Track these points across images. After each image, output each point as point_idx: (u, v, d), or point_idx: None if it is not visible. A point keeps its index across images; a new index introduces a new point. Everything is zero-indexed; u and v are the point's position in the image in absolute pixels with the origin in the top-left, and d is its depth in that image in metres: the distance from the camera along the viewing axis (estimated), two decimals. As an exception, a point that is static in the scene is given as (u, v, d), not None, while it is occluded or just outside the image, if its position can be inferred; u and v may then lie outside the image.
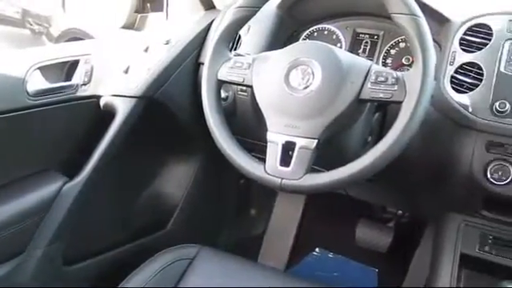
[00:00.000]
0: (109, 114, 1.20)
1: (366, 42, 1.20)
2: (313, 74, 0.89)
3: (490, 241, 1.04)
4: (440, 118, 1.00)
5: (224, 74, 0.98)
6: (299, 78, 0.90)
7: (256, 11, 0.99)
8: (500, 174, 0.93)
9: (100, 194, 1.24)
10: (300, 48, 0.94)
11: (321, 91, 0.88)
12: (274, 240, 1.77)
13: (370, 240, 1.60)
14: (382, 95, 0.85)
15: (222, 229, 1.69)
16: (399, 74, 0.86)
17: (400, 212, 1.66)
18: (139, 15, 1.50)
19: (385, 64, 1.17)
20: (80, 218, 1.19)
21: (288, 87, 0.90)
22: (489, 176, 0.94)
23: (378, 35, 1.19)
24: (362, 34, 1.21)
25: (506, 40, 0.94)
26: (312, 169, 0.89)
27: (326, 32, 1.24)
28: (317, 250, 1.80)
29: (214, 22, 1.30)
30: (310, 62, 0.90)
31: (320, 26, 1.25)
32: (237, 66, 0.97)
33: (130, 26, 1.49)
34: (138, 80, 1.21)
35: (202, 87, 0.99)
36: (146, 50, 1.28)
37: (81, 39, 1.36)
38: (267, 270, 1.13)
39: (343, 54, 0.91)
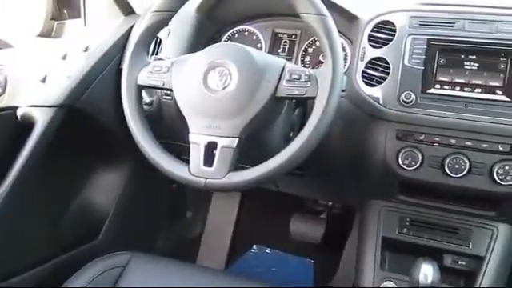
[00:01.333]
0: (27, 125, 1.16)
1: (285, 42, 1.24)
2: (230, 74, 0.91)
3: (407, 223, 1.11)
4: (355, 111, 1.06)
5: (143, 78, 0.98)
6: (217, 80, 0.92)
7: (172, 15, 1.00)
8: (410, 159, 0.99)
9: (24, 207, 1.19)
10: (216, 50, 0.96)
11: (238, 91, 0.90)
12: (212, 240, 1.79)
13: (303, 233, 1.65)
14: (296, 92, 0.89)
15: (158, 234, 1.68)
16: (311, 71, 0.91)
17: (330, 203, 1.73)
18: (56, 22, 1.45)
19: (303, 62, 1.22)
20: (4, 233, 1.15)
21: (206, 89, 0.92)
22: (400, 162, 1.00)
23: (295, 34, 1.23)
24: (281, 33, 1.25)
25: (408, 35, 1.01)
26: (240, 167, 0.91)
27: (246, 33, 1.27)
28: (254, 247, 1.83)
29: (134, 27, 1.29)
30: (226, 63, 0.92)
31: (240, 27, 1.28)
32: (156, 71, 0.98)
33: (46, 33, 1.44)
34: (56, 89, 1.18)
35: (122, 93, 0.99)
36: (64, 58, 1.25)
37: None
38: (204, 270, 1.14)
39: (258, 55, 0.94)
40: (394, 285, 1.07)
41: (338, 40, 0.89)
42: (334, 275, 1.63)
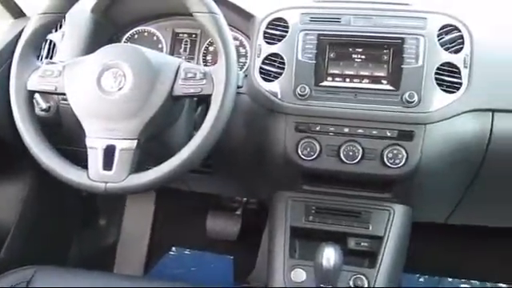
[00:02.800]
0: None
1: (186, 42, 1.25)
2: (124, 76, 0.90)
3: (313, 211, 1.15)
4: (255, 107, 1.09)
5: (34, 83, 0.95)
6: (111, 81, 0.91)
7: (61, 17, 0.97)
8: (308, 150, 1.04)
9: None
10: (109, 51, 0.95)
11: (134, 92, 0.90)
12: (128, 246, 1.75)
13: (219, 230, 1.67)
14: (192, 90, 0.91)
15: (70, 245, 1.61)
16: (207, 69, 0.92)
17: (245, 199, 1.76)
18: None
19: (205, 61, 1.23)
20: None
21: (101, 91, 0.90)
22: (300, 153, 1.04)
23: (196, 34, 1.24)
24: (181, 33, 1.25)
25: (300, 31, 1.05)
26: (146, 168, 0.91)
27: (146, 34, 1.26)
28: (173, 249, 1.82)
29: (23, 31, 1.23)
30: (120, 64, 0.91)
31: (140, 28, 1.26)
32: (47, 75, 0.95)
33: None
34: None
35: (11, 99, 0.95)
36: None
37: None
38: (119, 277, 1.11)
39: (153, 55, 0.94)
40: (303, 272, 1.11)
41: (230, 37, 0.91)
42: (253, 269, 1.66)
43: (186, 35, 1.25)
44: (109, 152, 0.89)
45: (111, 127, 0.89)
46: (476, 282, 1.68)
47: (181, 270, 1.75)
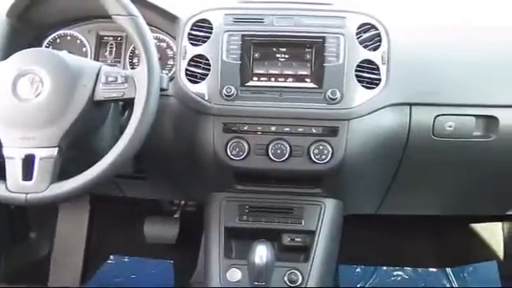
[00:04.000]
0: None
1: (112, 45, 1.21)
2: (42, 81, 0.87)
3: (247, 210, 1.16)
4: (183, 109, 1.08)
5: None
6: (28, 88, 0.87)
7: None
8: (237, 150, 1.04)
9: None
10: (25, 56, 0.91)
11: (52, 98, 0.87)
12: (63, 258, 1.69)
13: (158, 235, 1.64)
14: (114, 94, 0.89)
15: (-2, 260, 1.53)
16: (128, 72, 0.91)
17: (183, 202, 1.74)
18: None
19: (132, 64, 1.20)
20: None
21: (17, 98, 0.87)
22: (229, 153, 1.05)
23: (121, 37, 1.21)
24: (106, 36, 1.22)
25: (224, 32, 1.06)
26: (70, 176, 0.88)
27: (68, 37, 1.22)
28: (111, 257, 1.78)
29: None
30: (36, 69, 0.88)
31: (62, 31, 1.22)
32: None
33: None
34: None
35: None
36: None
37: None
38: None
39: (71, 59, 0.92)
40: (239, 271, 1.12)
41: (151, 40, 0.91)
42: (194, 272, 1.65)
43: (110, 38, 1.22)
44: (28, 161, 0.86)
45: (30, 136, 0.86)
46: (409, 269, 1.76)
47: (120, 279, 1.71)
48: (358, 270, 1.76)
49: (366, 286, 1.74)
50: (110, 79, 0.89)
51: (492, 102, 1.08)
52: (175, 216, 1.71)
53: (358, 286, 1.74)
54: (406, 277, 1.75)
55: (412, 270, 1.76)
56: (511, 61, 1.10)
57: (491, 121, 1.08)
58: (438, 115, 1.07)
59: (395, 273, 1.76)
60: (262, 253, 0.99)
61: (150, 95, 0.87)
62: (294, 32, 1.05)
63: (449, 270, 1.75)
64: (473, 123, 1.08)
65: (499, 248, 1.76)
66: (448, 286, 1.73)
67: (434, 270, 1.76)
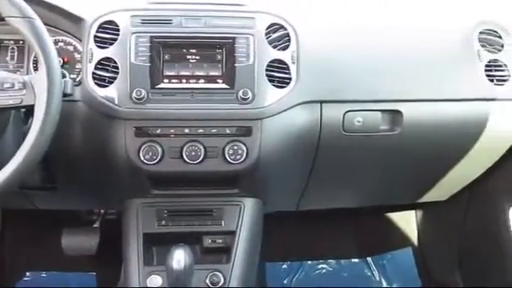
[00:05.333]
0: None
1: (13, 49, 1.15)
2: None
3: (165, 215, 1.14)
4: (93, 114, 1.04)
5: None
6: None
7: None
8: (151, 154, 1.02)
9: None
10: None
11: None
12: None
13: (77, 246, 1.56)
14: (11, 102, 0.84)
15: None
16: (26, 77, 0.86)
17: (103, 211, 1.68)
18: None
19: (36, 69, 1.14)
20: None
21: None
22: (142, 158, 1.02)
23: (23, 40, 1.14)
24: (6, 40, 1.15)
25: (132, 34, 1.03)
26: None
27: None
28: (27, 273, 1.68)
29: None
30: None
31: None
32: None
33: None
34: None
35: None
36: None
37: None
38: None
39: None
40: (159, 277, 1.10)
41: (50, 43, 0.86)
42: (118, 281, 1.59)
43: (11, 42, 1.15)
44: None
45: None
46: (332, 261, 1.82)
47: (38, 297, 1.62)
48: (284, 266, 1.79)
49: (293, 281, 1.77)
50: (6, 86, 0.83)
51: (396, 97, 1.14)
52: (95, 225, 1.64)
53: (285, 281, 1.77)
54: (330, 269, 1.80)
55: (336, 262, 1.81)
56: (413, 59, 1.17)
57: (396, 115, 1.14)
58: (347, 111, 1.11)
59: (320, 266, 1.80)
60: (179, 257, 0.97)
61: (50, 101, 0.83)
62: (203, 33, 1.05)
63: (369, 259, 1.83)
64: (379, 118, 1.13)
65: (414, 235, 1.86)
66: (369, 274, 1.81)
67: (355, 260, 1.83)
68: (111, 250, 1.61)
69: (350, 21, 1.21)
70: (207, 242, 1.15)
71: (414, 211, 1.86)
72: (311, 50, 1.10)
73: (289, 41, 1.08)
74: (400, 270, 1.80)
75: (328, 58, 1.12)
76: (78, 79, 1.09)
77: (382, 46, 1.17)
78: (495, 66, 1.17)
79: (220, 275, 1.11)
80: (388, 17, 1.24)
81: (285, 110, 1.05)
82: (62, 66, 1.09)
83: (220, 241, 1.15)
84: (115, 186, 1.16)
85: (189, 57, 1.04)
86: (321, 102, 1.10)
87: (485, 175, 1.36)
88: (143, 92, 1.00)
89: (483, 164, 1.32)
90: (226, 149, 1.03)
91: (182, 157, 1.03)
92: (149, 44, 1.03)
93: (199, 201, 1.16)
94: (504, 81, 1.17)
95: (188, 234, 1.15)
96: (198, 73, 1.04)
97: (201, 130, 1.03)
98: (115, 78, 1.02)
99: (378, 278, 1.80)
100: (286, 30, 1.09)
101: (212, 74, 1.04)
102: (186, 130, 1.03)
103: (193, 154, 1.03)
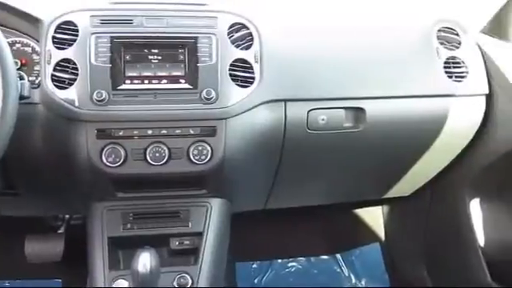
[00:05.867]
0: None
1: None
2: None
3: (131, 218, 1.13)
4: (52, 117, 1.02)
5: None
6: None
7: None
8: (114, 156, 1.00)
9: None
10: None
11: None
12: None
13: (41, 253, 1.52)
14: None
15: None
16: None
17: (68, 216, 1.64)
18: None
19: None
20: None
21: None
22: (105, 161, 1.00)
23: None
24: None
25: (91, 34, 1.01)
26: None
27: None
28: (-9, 285, 1.63)
29: None
30: None
31: None
32: None
33: None
34: None
35: None
36: None
37: None
38: None
39: None
40: (125, 281, 1.08)
41: (5, 45, 0.84)
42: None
43: None
44: None
45: None
46: (302, 259, 1.83)
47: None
48: (254, 265, 1.79)
49: (263, 280, 1.77)
50: None
51: (359, 94, 1.15)
52: (59, 231, 1.60)
53: (255, 281, 1.77)
54: (300, 267, 1.82)
55: (305, 260, 1.83)
56: (374, 57, 1.18)
57: (359, 112, 1.15)
58: (310, 109, 1.12)
59: (289, 264, 1.81)
60: (145, 260, 0.96)
61: (6, 106, 0.80)
62: (165, 33, 1.04)
63: (338, 255, 1.85)
64: (343, 115, 1.15)
65: (381, 230, 1.89)
66: (338, 270, 1.83)
67: (325, 257, 1.85)
68: (77, 256, 1.58)
69: (312, 20, 1.22)
70: (174, 243, 1.14)
71: (380, 207, 1.89)
72: (274, 49, 1.10)
73: (252, 40, 1.08)
74: (368, 265, 1.83)
75: (291, 57, 1.13)
76: (36, 81, 1.06)
77: (344, 45, 1.19)
78: (454, 62, 1.20)
79: (188, 277, 1.10)
80: (349, 16, 1.26)
81: (249, 110, 1.06)
82: (20, 68, 1.06)
83: (187, 242, 1.15)
84: (78, 191, 1.14)
85: (151, 57, 1.03)
86: (285, 101, 1.10)
87: (445, 170, 1.39)
88: (104, 93, 0.98)
89: (444, 159, 1.35)
90: (191, 149, 1.03)
91: (145, 159, 1.02)
92: (109, 44, 1.01)
93: (165, 203, 1.15)
94: (462, 77, 1.20)
95: (155, 236, 1.13)
96: (160, 73, 1.03)
97: (164, 131, 1.02)
98: (75, 80, 1.00)
99: (347, 274, 1.82)
100: (248, 29, 1.09)
101: (175, 74, 1.03)
102: (150, 132, 1.02)
103: (157, 155, 1.02)
